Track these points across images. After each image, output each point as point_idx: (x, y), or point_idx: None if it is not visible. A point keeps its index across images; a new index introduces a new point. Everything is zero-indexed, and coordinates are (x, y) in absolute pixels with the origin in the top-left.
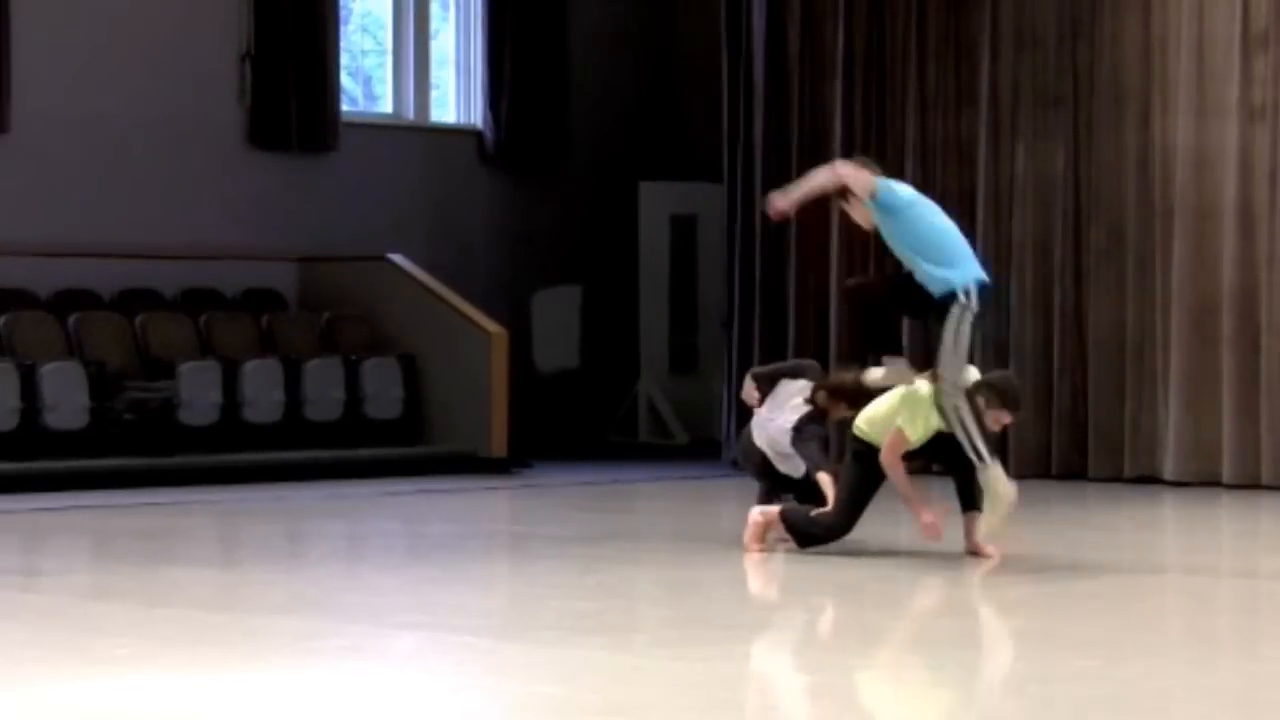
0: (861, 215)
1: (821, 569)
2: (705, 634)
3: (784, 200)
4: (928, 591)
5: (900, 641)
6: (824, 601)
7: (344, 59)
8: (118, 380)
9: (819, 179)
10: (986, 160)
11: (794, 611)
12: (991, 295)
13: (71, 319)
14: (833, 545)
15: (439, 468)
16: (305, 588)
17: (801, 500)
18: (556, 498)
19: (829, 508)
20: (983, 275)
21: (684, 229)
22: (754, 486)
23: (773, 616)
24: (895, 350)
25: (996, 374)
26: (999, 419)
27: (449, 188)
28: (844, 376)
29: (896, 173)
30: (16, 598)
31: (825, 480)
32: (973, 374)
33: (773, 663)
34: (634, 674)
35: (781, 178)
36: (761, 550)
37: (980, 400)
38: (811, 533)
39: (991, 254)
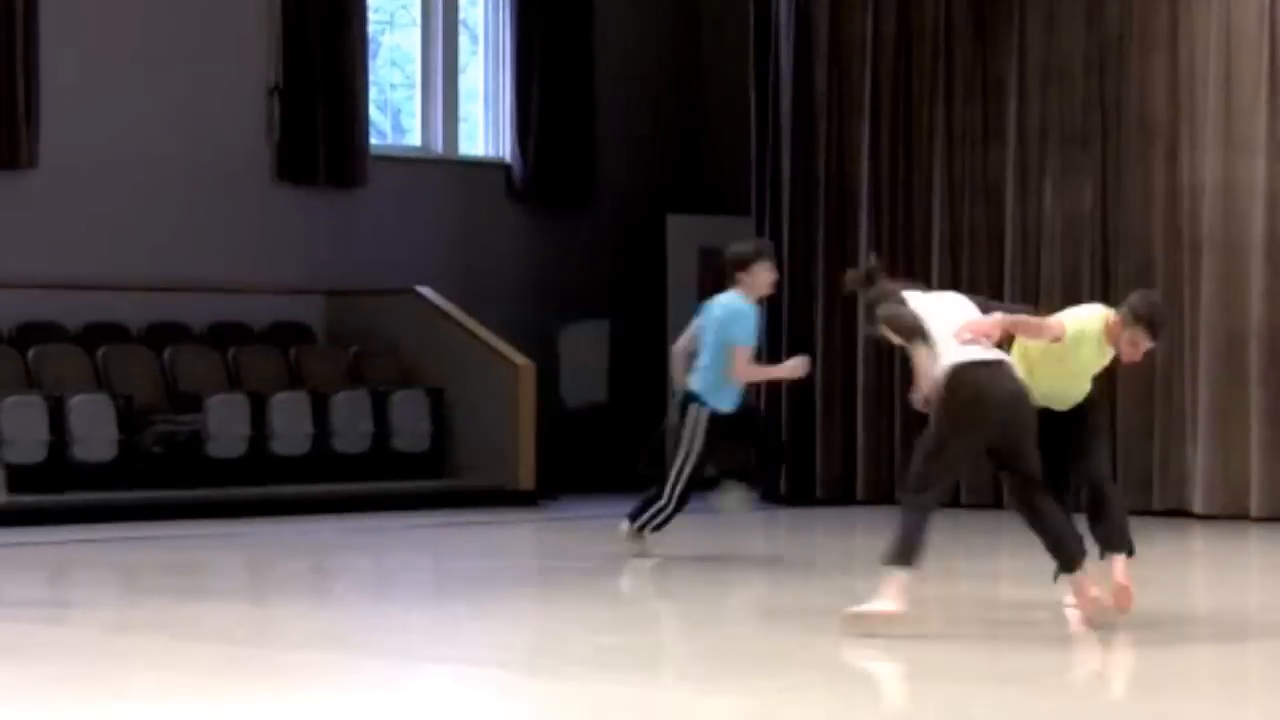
0: None
1: (851, 601)
2: (731, 668)
3: None
4: (955, 626)
5: (929, 675)
6: (852, 635)
7: (373, 93)
8: (146, 413)
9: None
10: (1015, 198)
11: (820, 646)
12: None
13: (100, 352)
14: (865, 573)
15: (466, 501)
16: (332, 622)
17: None
18: (584, 531)
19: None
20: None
21: (712, 261)
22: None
23: (798, 651)
24: None
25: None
26: (1138, 342)
27: (477, 221)
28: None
29: (924, 212)
30: (44, 630)
31: None
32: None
33: (797, 698)
34: (660, 709)
35: (809, 214)
36: None
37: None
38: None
39: (1020, 291)
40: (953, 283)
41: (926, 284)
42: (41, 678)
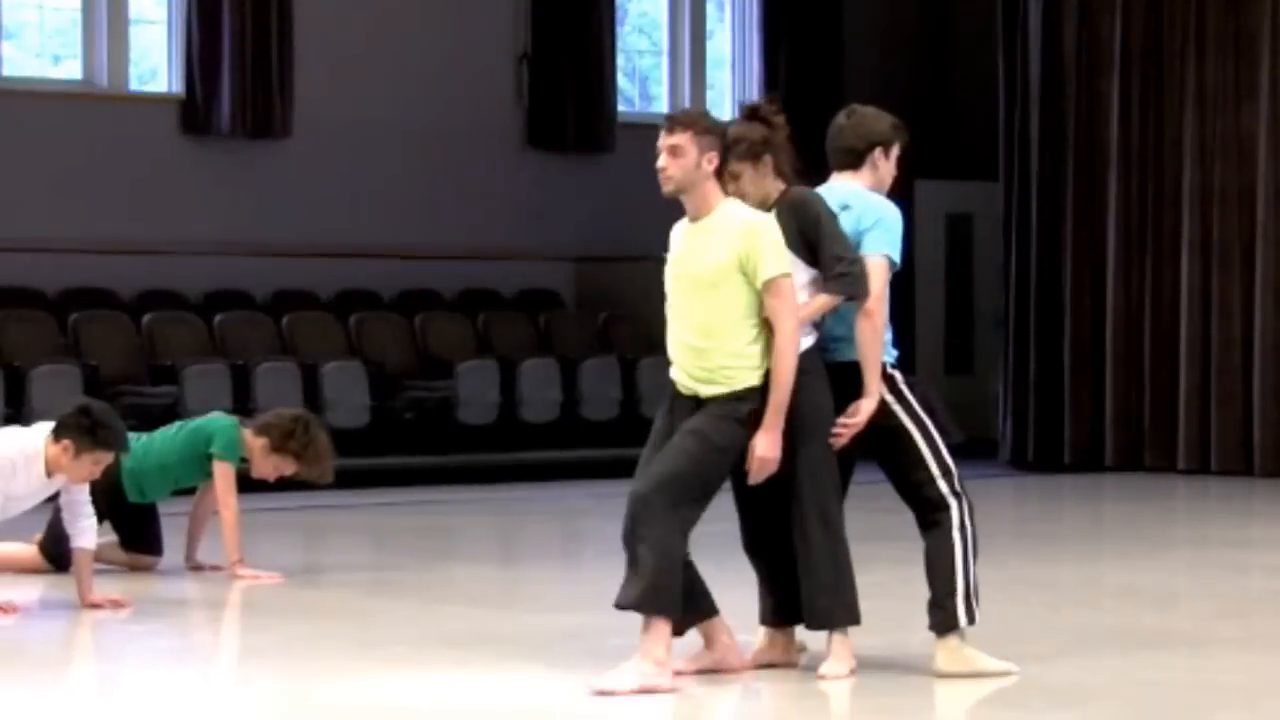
0: None
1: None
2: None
3: None
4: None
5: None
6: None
7: (620, 59)
8: (397, 380)
9: None
10: (1267, 157)
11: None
12: None
13: (352, 319)
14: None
15: None
16: (581, 587)
17: None
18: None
19: None
20: None
21: (960, 227)
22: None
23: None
24: None
25: None
26: None
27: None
28: None
29: (1174, 171)
30: (297, 593)
31: None
32: None
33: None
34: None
35: (1057, 175)
36: None
37: None
38: None
39: (1272, 252)
40: (1203, 244)
41: (1176, 246)
42: (293, 637)
